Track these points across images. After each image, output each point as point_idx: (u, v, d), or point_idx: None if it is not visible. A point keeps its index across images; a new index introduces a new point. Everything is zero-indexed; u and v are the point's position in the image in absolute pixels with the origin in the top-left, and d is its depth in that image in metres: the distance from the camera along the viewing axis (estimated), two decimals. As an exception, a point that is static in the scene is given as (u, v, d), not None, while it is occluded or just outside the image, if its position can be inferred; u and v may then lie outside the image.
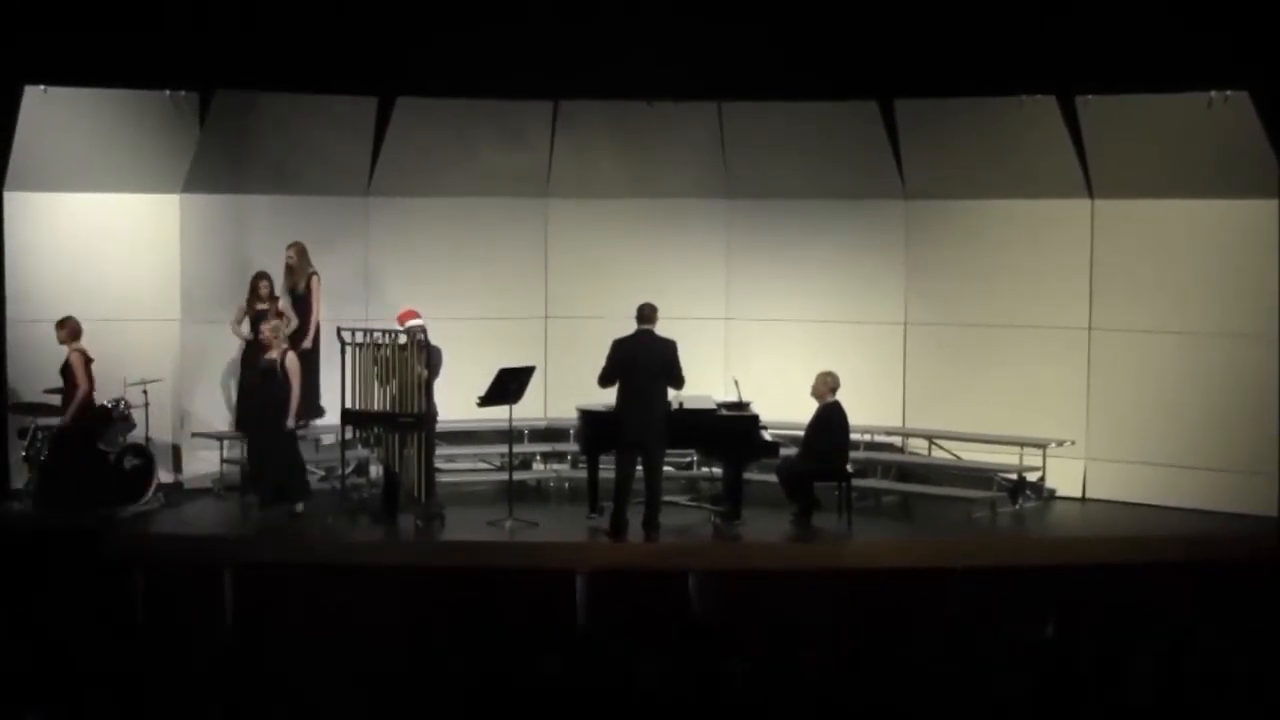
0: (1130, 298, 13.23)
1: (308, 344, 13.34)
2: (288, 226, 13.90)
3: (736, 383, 12.78)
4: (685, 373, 11.98)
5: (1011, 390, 13.63)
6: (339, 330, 12.24)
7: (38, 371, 12.76)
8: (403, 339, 12.14)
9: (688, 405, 12.50)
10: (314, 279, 13.53)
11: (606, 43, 13.42)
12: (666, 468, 13.47)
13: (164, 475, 13.10)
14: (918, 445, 14.19)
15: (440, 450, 13.01)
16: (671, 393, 12.20)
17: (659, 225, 14.63)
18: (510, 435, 12.73)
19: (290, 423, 12.33)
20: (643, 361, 11.85)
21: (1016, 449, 13.33)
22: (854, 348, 13.98)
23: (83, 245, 13.33)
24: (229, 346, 13.70)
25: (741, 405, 12.70)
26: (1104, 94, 12.95)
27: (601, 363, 11.97)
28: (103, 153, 13.27)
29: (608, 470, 12.27)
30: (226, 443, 13.38)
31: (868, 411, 13.52)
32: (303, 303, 13.53)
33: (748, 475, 12.78)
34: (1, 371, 13.03)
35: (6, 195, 13.02)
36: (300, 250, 13.56)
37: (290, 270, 13.58)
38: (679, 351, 11.93)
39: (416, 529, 12.18)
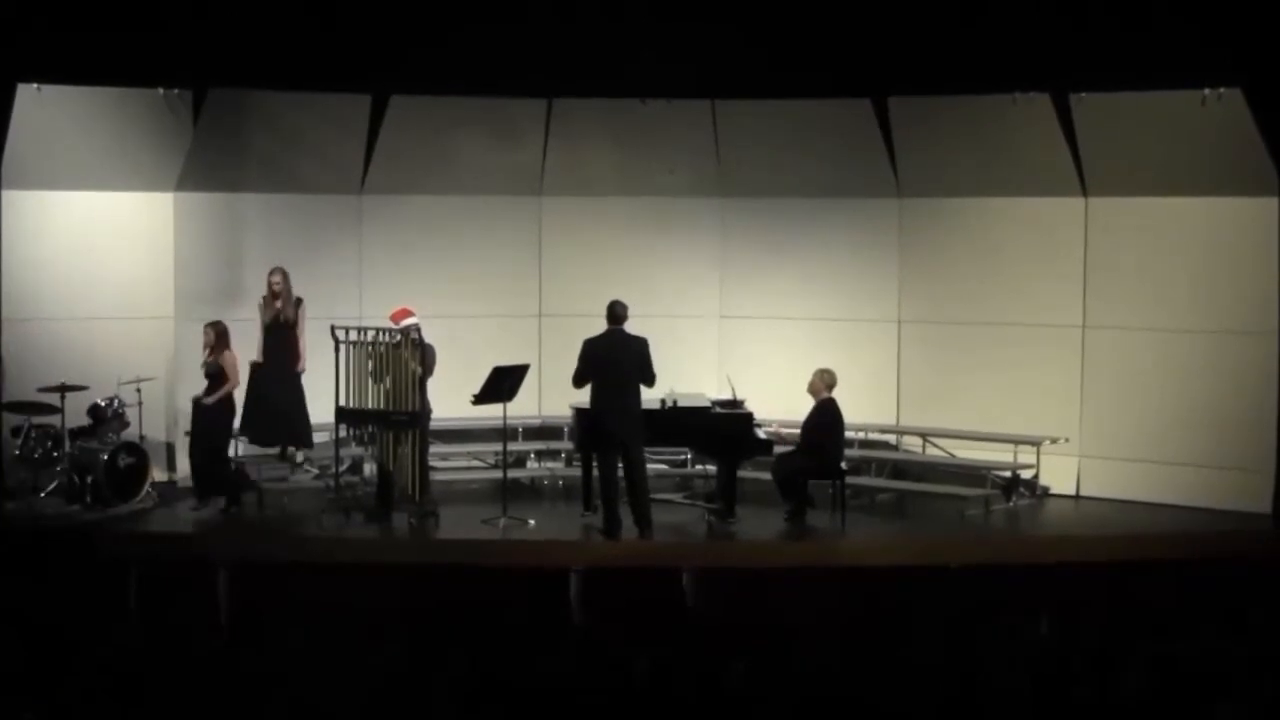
0: (1124, 295, 13.26)
1: (303, 366, 13.26)
2: (281, 225, 13.94)
3: (729, 379, 12.79)
4: (678, 371, 11.97)
5: (1005, 388, 13.65)
6: (333, 328, 12.23)
7: (32, 370, 12.76)
8: (397, 337, 12.14)
9: (682, 403, 12.52)
10: (301, 305, 13.25)
11: (600, 41, 13.42)
12: (660, 465, 13.53)
13: (158, 473, 13.12)
14: (912, 443, 14.21)
15: (434, 448, 13.01)
16: (664, 390, 12.23)
17: (653, 224, 14.65)
18: (504, 433, 12.74)
19: None
20: (616, 360, 11.82)
21: (1010, 446, 13.36)
22: (848, 346, 13.99)
23: (76, 243, 13.32)
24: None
25: (735, 403, 12.72)
26: (1097, 92, 12.97)
27: (587, 362, 11.99)
28: (96, 151, 13.27)
29: (602, 468, 12.28)
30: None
31: (862, 409, 13.54)
32: (293, 331, 13.21)
33: (741, 473, 12.80)
34: (-4, 370, 13.05)
35: (1, 194, 13.01)
36: (286, 275, 13.25)
37: (276, 296, 13.19)
38: (650, 348, 11.89)
39: (411, 527, 12.18)
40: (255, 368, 13.08)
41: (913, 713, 7.53)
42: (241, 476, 12.93)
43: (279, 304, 13.18)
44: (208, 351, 12.70)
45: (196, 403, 12.65)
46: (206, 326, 12.78)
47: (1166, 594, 9.48)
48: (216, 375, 12.63)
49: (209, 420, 12.63)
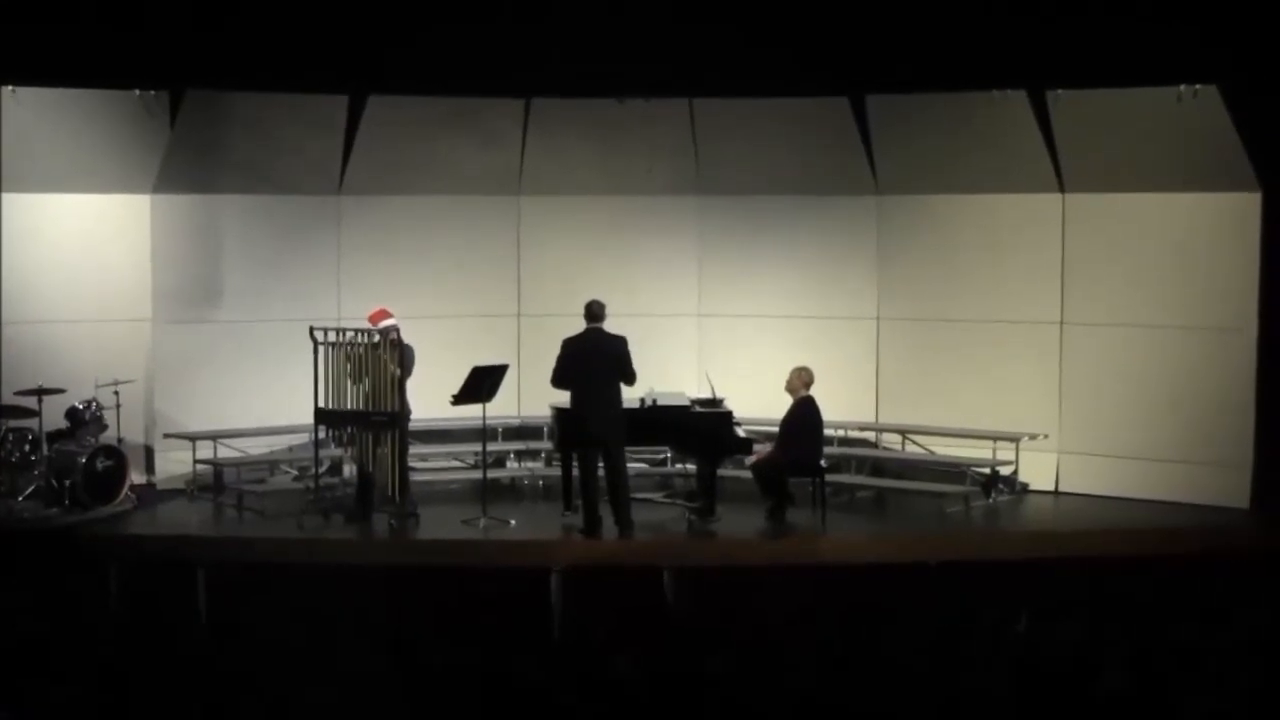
0: (1101, 292, 13.29)
1: None
2: (259, 226, 13.92)
3: (709, 378, 12.80)
4: (658, 370, 11.96)
5: (984, 384, 13.67)
6: (311, 329, 12.20)
7: (8, 374, 12.72)
8: (375, 338, 12.11)
9: (661, 402, 12.51)
10: None
11: (578, 40, 13.42)
12: (640, 464, 13.53)
13: (136, 476, 13.07)
14: (891, 440, 14.22)
15: (414, 449, 12.99)
16: (644, 389, 12.23)
17: (631, 223, 14.64)
18: (484, 433, 12.72)
19: None
20: (595, 359, 11.81)
21: (990, 443, 13.38)
22: (827, 343, 14.01)
23: (52, 247, 13.28)
24: (201, 347, 13.66)
25: (715, 401, 12.73)
26: (1074, 89, 13.01)
27: (565, 362, 11.97)
28: (72, 153, 13.22)
29: (582, 468, 12.27)
30: (198, 443, 13.35)
31: (841, 407, 13.55)
32: None
33: (722, 471, 12.80)
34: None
35: (-23, 196, 12.97)
36: None
37: None
38: (629, 347, 11.88)
39: (391, 528, 12.16)
40: None
41: (894, 710, 7.54)
42: None
43: None
44: None
45: None
46: None
47: (1146, 588, 9.51)
48: None
49: None
